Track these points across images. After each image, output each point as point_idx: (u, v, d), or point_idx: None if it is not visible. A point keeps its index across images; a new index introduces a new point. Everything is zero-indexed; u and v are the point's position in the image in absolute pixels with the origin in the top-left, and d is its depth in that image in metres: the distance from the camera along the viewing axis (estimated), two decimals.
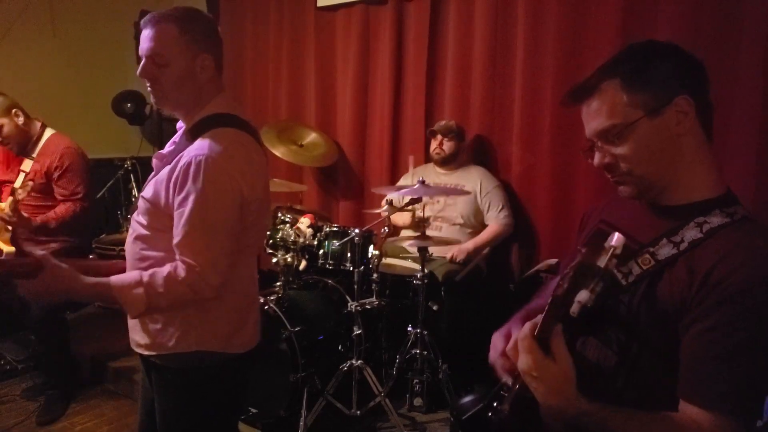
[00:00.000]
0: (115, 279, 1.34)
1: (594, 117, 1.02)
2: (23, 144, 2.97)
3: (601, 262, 0.91)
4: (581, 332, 1.08)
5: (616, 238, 0.92)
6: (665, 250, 0.98)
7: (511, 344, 1.03)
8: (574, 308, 0.91)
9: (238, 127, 1.45)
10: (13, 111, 2.89)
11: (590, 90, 1.02)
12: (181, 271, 1.33)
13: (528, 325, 0.99)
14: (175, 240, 1.36)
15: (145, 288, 1.32)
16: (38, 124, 3.03)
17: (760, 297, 0.89)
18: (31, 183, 2.75)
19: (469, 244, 2.99)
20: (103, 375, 3.31)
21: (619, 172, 1.03)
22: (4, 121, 2.85)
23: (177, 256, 1.36)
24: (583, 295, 0.91)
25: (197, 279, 1.33)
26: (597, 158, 1.05)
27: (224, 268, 1.38)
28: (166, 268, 1.35)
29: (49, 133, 3.04)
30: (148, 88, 1.45)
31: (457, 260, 2.94)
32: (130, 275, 1.35)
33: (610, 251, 0.91)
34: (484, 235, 3.03)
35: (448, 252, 2.97)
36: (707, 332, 0.91)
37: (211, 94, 1.48)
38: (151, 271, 1.35)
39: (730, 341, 0.90)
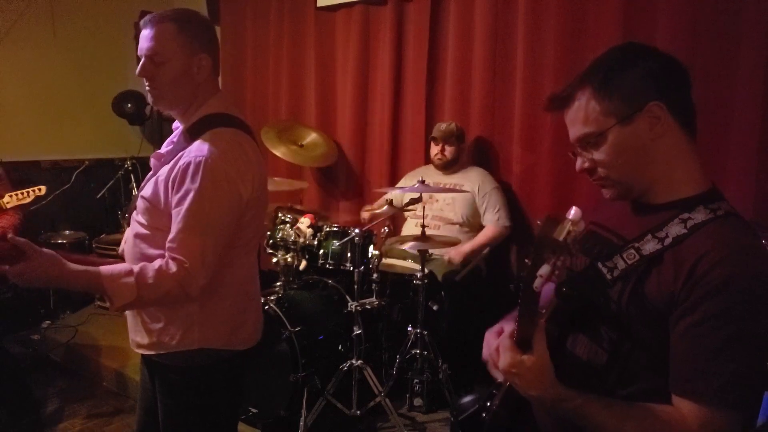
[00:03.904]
0: (104, 268, 1.33)
1: (571, 125, 1.06)
2: None
3: (559, 235, 0.91)
4: (571, 330, 1.09)
5: (573, 211, 0.93)
6: (650, 246, 0.99)
7: (494, 346, 1.06)
8: (537, 283, 0.92)
9: (236, 127, 1.47)
10: None
11: (567, 99, 1.05)
12: (172, 266, 1.33)
13: (509, 328, 1.02)
14: (169, 237, 1.36)
15: (136, 278, 1.32)
16: None
17: (745, 290, 0.90)
18: None
19: (466, 247, 2.98)
20: (103, 375, 3.31)
21: (599, 176, 1.06)
22: None
23: (167, 253, 1.36)
24: (544, 269, 0.91)
25: (186, 276, 1.33)
26: (578, 163, 1.08)
27: (212, 270, 1.38)
28: (157, 262, 1.35)
29: None
30: (146, 87, 1.46)
31: (455, 263, 2.94)
32: (120, 265, 1.35)
33: (567, 225, 0.91)
34: (481, 238, 3.03)
35: (445, 254, 2.97)
36: (694, 327, 0.92)
37: (207, 94, 1.49)
38: (141, 263, 1.35)
39: (718, 335, 0.90)
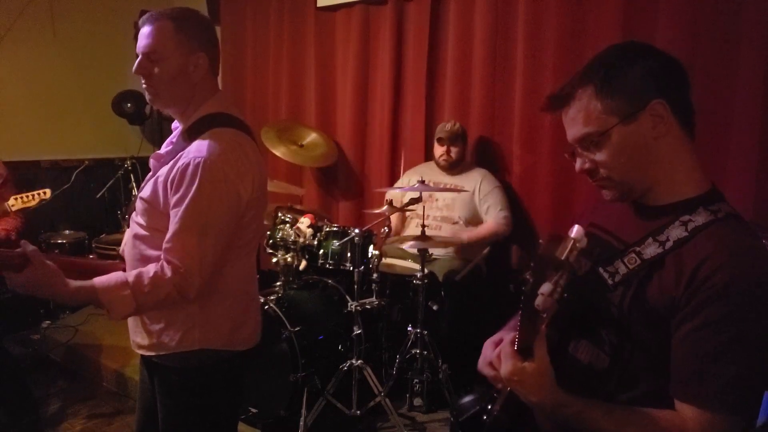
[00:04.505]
0: (99, 281, 1.32)
1: (571, 124, 1.03)
2: None
3: (562, 254, 0.90)
4: (574, 334, 1.08)
5: (576, 230, 0.92)
6: (651, 249, 0.98)
7: (495, 354, 1.06)
8: (538, 301, 0.91)
9: (235, 127, 1.46)
10: None
11: (566, 98, 1.03)
12: (168, 271, 1.33)
13: (510, 335, 1.01)
14: (166, 237, 1.36)
15: (132, 289, 1.31)
16: None
17: (746, 292, 0.89)
18: None
19: (464, 235, 2.97)
20: (103, 375, 3.31)
21: (600, 177, 1.04)
22: None
23: (162, 255, 1.35)
24: (545, 288, 0.90)
25: (182, 279, 1.33)
26: (578, 164, 1.06)
27: (210, 271, 1.38)
28: (152, 268, 1.34)
29: None
30: (143, 85, 1.46)
31: (463, 239, 2.91)
32: (115, 277, 1.33)
33: (570, 243, 0.90)
34: (481, 230, 3.01)
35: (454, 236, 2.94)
36: (696, 331, 0.92)
37: (205, 93, 1.49)
38: (135, 271, 1.34)
39: (719, 339, 0.90)
